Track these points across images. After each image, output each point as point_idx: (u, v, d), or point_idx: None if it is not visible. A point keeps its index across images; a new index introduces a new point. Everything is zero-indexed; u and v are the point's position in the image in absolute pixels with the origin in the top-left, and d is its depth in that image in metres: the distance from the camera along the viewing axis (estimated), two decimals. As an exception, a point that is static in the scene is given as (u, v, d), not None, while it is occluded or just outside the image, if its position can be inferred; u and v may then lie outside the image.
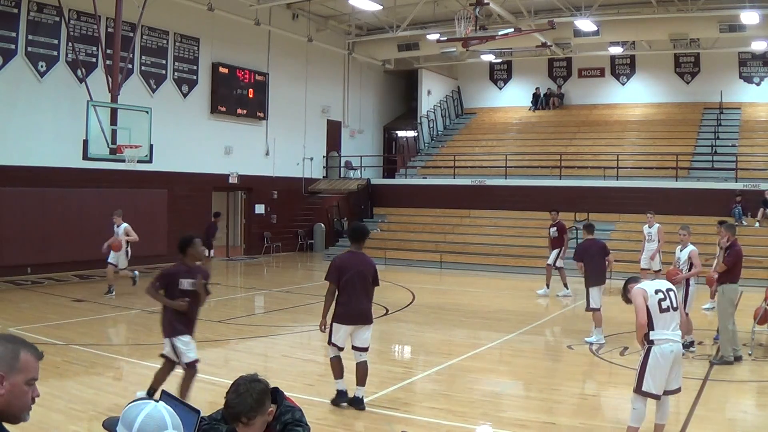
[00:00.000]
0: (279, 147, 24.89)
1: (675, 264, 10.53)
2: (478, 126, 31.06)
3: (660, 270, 15.61)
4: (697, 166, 23.31)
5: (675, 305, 5.92)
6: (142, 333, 11.02)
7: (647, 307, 5.86)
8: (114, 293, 14.53)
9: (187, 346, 6.81)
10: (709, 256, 12.64)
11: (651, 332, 5.85)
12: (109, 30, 17.80)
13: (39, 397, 2.39)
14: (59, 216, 17.20)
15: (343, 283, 7.11)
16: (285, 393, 3.29)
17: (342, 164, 28.38)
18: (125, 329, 11.82)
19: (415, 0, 22.77)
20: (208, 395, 7.26)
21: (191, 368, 6.86)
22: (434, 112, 31.03)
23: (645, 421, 5.96)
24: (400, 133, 32.82)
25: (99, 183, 18.20)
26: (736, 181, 21.45)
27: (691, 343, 9.86)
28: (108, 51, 17.36)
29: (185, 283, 6.74)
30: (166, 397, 2.93)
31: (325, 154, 27.92)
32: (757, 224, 20.19)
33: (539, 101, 30.56)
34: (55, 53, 17.65)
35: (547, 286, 16.22)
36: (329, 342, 7.33)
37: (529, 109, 30.76)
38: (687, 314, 9.86)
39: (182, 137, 20.76)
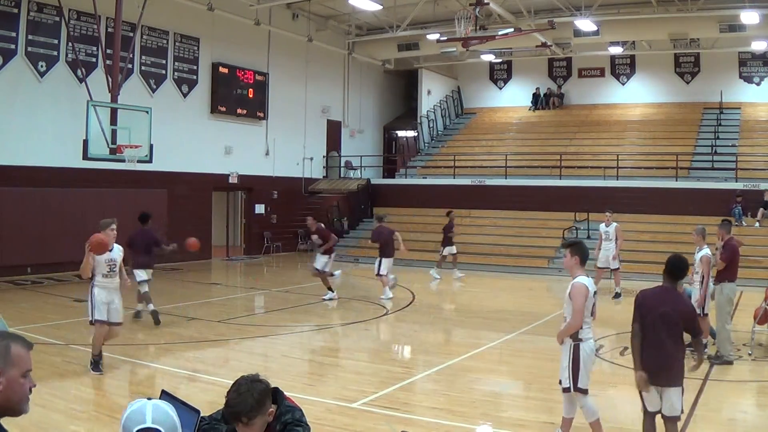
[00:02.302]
0: (279, 147, 24.89)
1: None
2: (478, 126, 31.06)
3: (618, 269, 15.66)
4: (697, 166, 23.30)
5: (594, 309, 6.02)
6: (141, 333, 11.02)
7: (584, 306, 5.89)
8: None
9: None
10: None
11: (579, 331, 5.94)
12: (109, 30, 17.80)
13: (35, 387, 2.43)
14: (59, 216, 17.18)
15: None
16: (285, 393, 3.29)
17: (342, 164, 28.37)
18: (125, 329, 11.79)
19: (415, 0, 22.77)
20: (208, 395, 7.26)
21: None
22: (434, 112, 31.04)
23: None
24: (400, 133, 32.81)
25: (99, 183, 18.19)
26: (736, 181, 21.46)
27: (705, 345, 9.78)
28: (108, 51, 17.37)
29: None
30: (167, 397, 2.93)
31: (325, 154, 27.91)
32: (757, 224, 20.20)
33: (539, 101, 30.56)
34: (55, 53, 17.65)
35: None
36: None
37: (529, 109, 30.76)
38: (706, 315, 9.82)
39: (182, 137, 20.76)
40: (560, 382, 6.09)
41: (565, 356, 6.01)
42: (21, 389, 2.37)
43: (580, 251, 6.00)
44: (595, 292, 6.00)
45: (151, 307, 11.43)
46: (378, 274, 15.19)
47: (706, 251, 9.83)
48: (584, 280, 5.95)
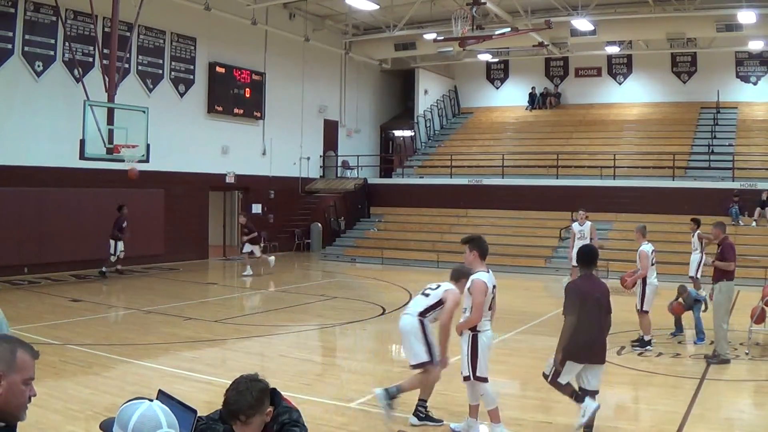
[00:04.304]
0: (276, 146, 24.86)
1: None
2: (475, 125, 31.06)
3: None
4: (694, 165, 23.33)
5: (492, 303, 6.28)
6: (138, 333, 11.01)
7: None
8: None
9: None
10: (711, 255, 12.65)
11: (477, 323, 6.20)
12: (106, 29, 17.74)
13: (36, 396, 2.41)
14: (56, 216, 17.16)
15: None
16: (282, 393, 3.29)
17: (339, 164, 28.37)
18: (122, 329, 11.79)
19: (412, -1, 22.80)
20: (205, 395, 7.26)
21: None
22: (431, 112, 31.03)
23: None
24: (397, 133, 32.81)
25: (96, 183, 18.16)
26: (733, 181, 21.50)
27: (649, 342, 10.01)
28: (105, 50, 17.32)
29: None
30: (164, 396, 2.92)
31: (322, 154, 27.89)
32: (754, 224, 20.24)
33: (536, 101, 30.57)
34: (52, 53, 17.62)
35: None
36: None
37: (526, 109, 30.77)
38: (647, 312, 10.15)
39: (179, 137, 20.72)
40: (461, 372, 6.33)
41: (464, 347, 6.26)
42: (21, 396, 2.35)
43: (478, 246, 6.33)
44: (494, 287, 6.24)
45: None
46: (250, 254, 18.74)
47: (643, 247, 10.37)
48: (483, 276, 6.19)
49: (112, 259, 17.49)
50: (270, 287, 17.96)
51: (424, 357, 6.67)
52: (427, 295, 6.85)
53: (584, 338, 6.06)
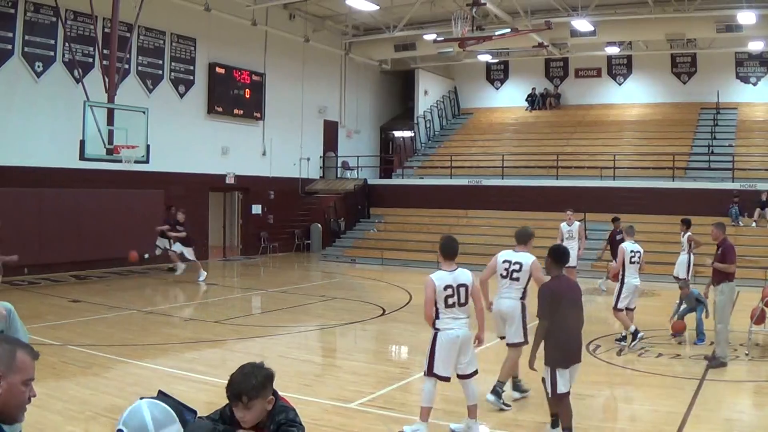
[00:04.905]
0: (276, 147, 24.87)
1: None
2: (474, 126, 31.07)
3: (575, 267, 15.74)
4: (693, 166, 23.34)
5: (463, 301, 6.30)
6: (138, 333, 11.01)
7: (435, 300, 6.24)
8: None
9: None
10: (709, 255, 12.64)
11: (437, 321, 6.27)
12: (106, 30, 17.76)
13: (35, 396, 2.42)
14: (56, 216, 17.14)
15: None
16: (280, 393, 3.29)
17: (339, 164, 28.37)
18: (122, 330, 11.78)
19: (412, 0, 22.77)
20: (205, 395, 7.26)
21: None
22: (431, 113, 31.04)
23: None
24: (397, 134, 32.81)
25: (96, 183, 18.16)
26: (733, 181, 21.50)
27: (636, 332, 10.10)
28: (105, 51, 17.34)
29: None
30: (163, 396, 2.92)
31: (321, 155, 27.90)
32: (754, 224, 20.24)
33: (536, 101, 30.58)
34: (52, 53, 17.63)
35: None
36: None
37: (526, 110, 30.78)
38: (620, 310, 10.24)
39: (179, 137, 20.73)
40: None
41: (429, 343, 6.37)
42: (21, 396, 2.36)
43: (440, 247, 6.61)
44: (460, 285, 6.28)
45: None
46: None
47: (623, 244, 10.47)
48: (436, 273, 6.36)
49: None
50: (270, 287, 17.95)
51: (521, 338, 7.34)
52: (517, 279, 7.44)
53: (565, 341, 6.09)
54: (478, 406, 6.54)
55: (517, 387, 7.59)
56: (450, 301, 6.26)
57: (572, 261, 15.72)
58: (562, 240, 16.08)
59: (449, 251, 6.51)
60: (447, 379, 6.31)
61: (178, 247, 17.22)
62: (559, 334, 6.04)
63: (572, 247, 15.83)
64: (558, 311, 6.05)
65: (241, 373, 3.12)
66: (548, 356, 6.13)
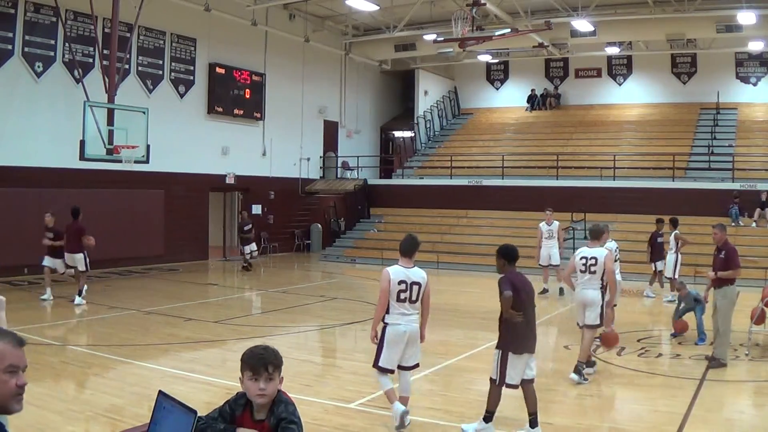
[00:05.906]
0: (276, 147, 24.87)
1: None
2: (474, 126, 31.07)
3: (558, 265, 15.76)
4: (694, 166, 23.35)
5: (414, 298, 6.48)
6: (138, 333, 11.01)
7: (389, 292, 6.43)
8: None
9: None
10: (708, 256, 12.64)
11: (386, 315, 6.47)
12: (106, 30, 17.78)
13: (25, 384, 2.34)
14: (56, 216, 17.12)
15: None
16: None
17: (339, 165, 28.37)
18: (122, 330, 11.79)
19: (412, 0, 22.77)
20: (205, 395, 7.26)
21: None
22: (431, 113, 31.05)
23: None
24: (397, 134, 32.81)
25: (96, 184, 18.16)
26: (733, 182, 21.50)
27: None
28: (105, 51, 17.36)
29: None
30: (163, 397, 2.92)
31: (322, 155, 27.90)
32: (754, 224, 20.25)
33: (535, 102, 30.58)
34: (52, 54, 17.63)
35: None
36: None
37: (526, 110, 30.78)
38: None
39: (179, 138, 20.73)
40: None
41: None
42: (4, 385, 2.29)
43: (400, 244, 6.87)
44: (414, 283, 6.45)
45: None
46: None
47: (610, 244, 10.69)
48: (392, 267, 6.60)
49: (249, 258, 20.08)
50: (270, 287, 17.96)
51: (598, 321, 8.31)
52: (594, 273, 8.31)
53: (522, 330, 6.25)
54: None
55: (590, 364, 8.57)
56: (402, 296, 6.45)
57: (554, 260, 15.93)
58: (542, 239, 16.15)
59: (407, 248, 6.75)
60: (391, 372, 6.51)
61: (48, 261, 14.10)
62: (518, 324, 6.23)
63: (552, 245, 15.95)
64: (517, 302, 6.23)
65: (260, 348, 3.19)
66: (501, 340, 6.32)
